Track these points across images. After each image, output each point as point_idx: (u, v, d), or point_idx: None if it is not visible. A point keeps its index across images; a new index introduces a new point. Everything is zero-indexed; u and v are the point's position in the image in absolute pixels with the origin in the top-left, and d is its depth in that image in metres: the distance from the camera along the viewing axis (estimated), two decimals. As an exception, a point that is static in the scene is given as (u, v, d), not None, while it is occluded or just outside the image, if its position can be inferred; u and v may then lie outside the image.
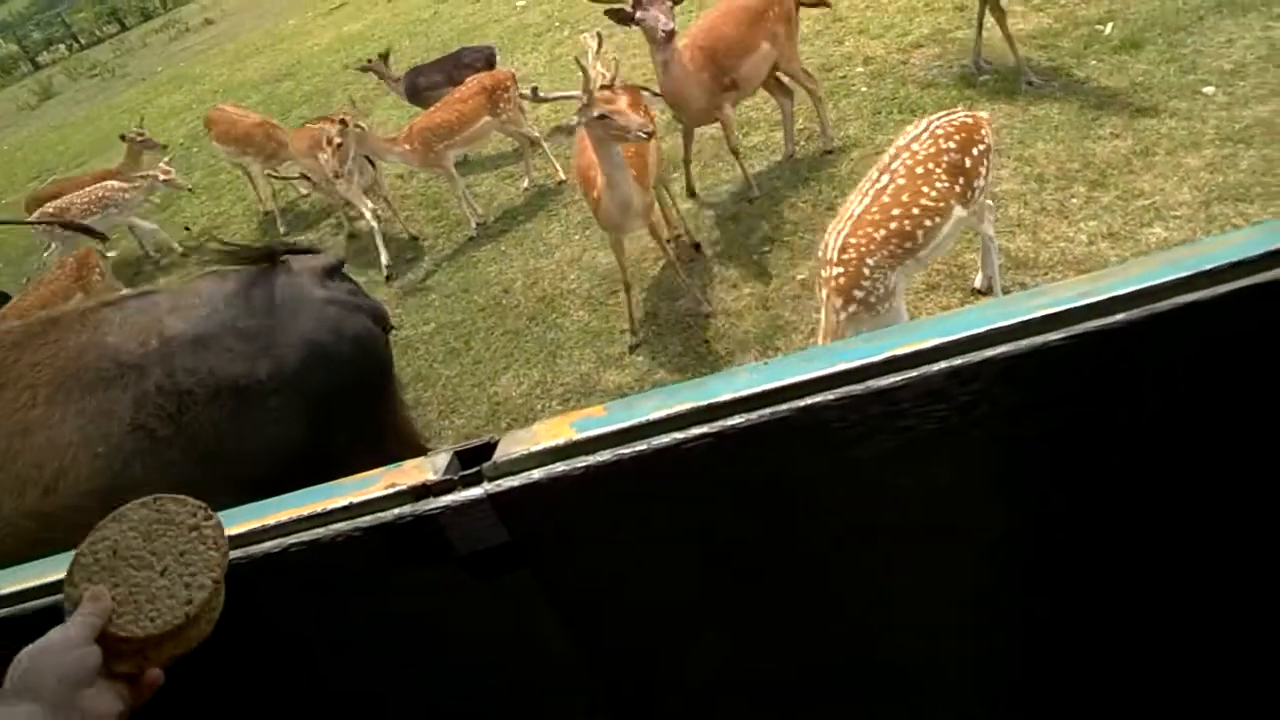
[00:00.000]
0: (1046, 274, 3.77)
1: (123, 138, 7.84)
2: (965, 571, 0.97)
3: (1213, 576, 0.94)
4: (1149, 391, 0.85)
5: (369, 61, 7.23)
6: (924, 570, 0.96)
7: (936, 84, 5.56)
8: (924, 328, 0.85)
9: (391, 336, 5.07)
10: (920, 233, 2.98)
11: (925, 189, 3.01)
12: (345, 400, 2.41)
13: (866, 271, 2.87)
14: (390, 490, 0.95)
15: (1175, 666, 1.00)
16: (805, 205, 4.87)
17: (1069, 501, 0.92)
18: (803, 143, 5.50)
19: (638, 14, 4.30)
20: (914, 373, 0.82)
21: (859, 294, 2.87)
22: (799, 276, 4.35)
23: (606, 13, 4.43)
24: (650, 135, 3.67)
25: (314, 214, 7.56)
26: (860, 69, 6.16)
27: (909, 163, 3.06)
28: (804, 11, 7.46)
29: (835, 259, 2.91)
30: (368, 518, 0.95)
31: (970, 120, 3.26)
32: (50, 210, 6.81)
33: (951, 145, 3.12)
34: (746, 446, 0.86)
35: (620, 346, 4.34)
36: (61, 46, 29.57)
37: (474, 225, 5.96)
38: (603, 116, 3.58)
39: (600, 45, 4.16)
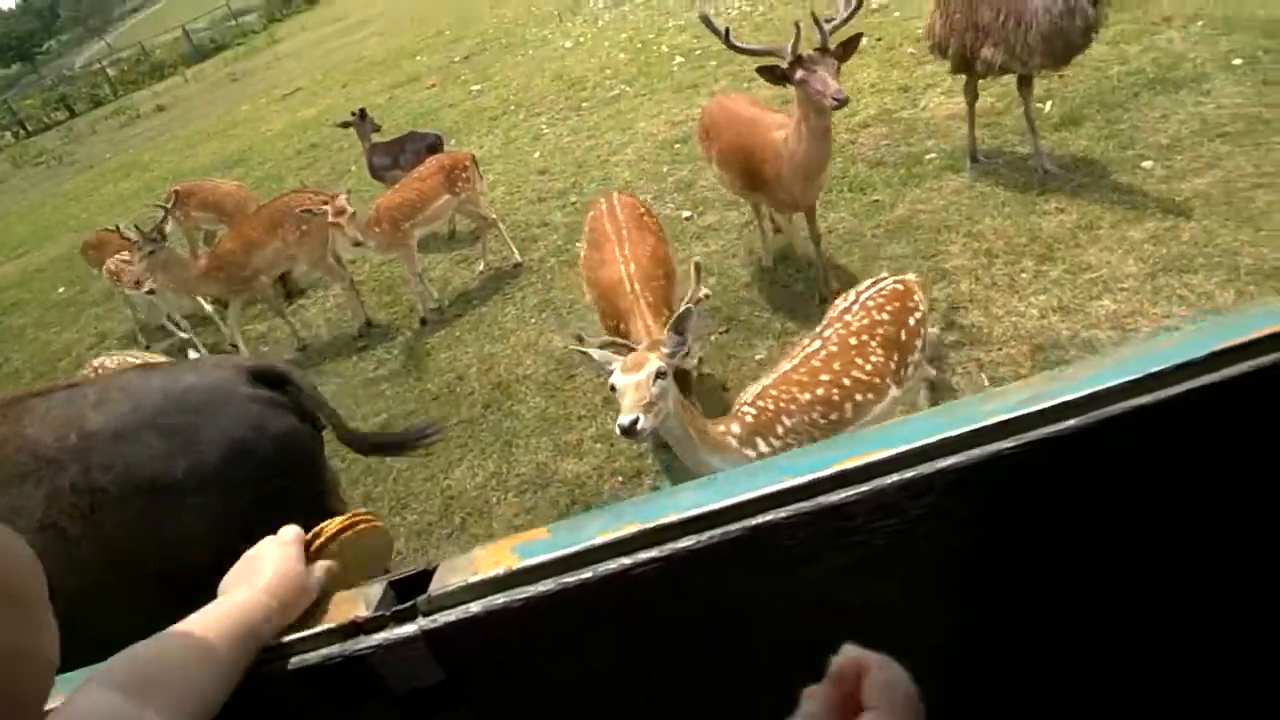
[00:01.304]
0: (1000, 349, 3.78)
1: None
2: (925, 691, 0.91)
3: (1168, 681, 0.91)
4: (1101, 498, 0.83)
5: (352, 115, 7.19)
6: None
7: (884, 162, 5.67)
8: (872, 438, 0.82)
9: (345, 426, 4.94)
10: (849, 406, 2.75)
11: (859, 360, 2.80)
12: (269, 499, 2.32)
13: (780, 430, 2.66)
14: (319, 629, 0.88)
15: None
16: (762, 284, 4.88)
17: (1019, 611, 0.88)
18: (756, 222, 5.54)
19: (799, 74, 3.60)
20: (865, 487, 0.79)
21: (762, 446, 2.63)
22: (757, 357, 4.32)
23: (759, 70, 3.79)
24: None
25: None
26: (809, 148, 6.26)
27: (842, 332, 2.87)
28: (754, 93, 7.67)
29: (750, 401, 2.73)
30: (294, 659, 0.87)
31: (901, 287, 3.03)
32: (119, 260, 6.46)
33: (885, 317, 2.91)
34: (694, 569, 0.81)
35: (578, 434, 4.24)
36: (8, 134, 29.43)
37: (426, 309, 5.88)
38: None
39: (699, 274, 2.94)
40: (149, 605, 1.11)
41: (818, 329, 2.97)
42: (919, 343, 2.99)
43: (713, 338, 4.57)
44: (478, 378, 5.03)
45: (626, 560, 0.81)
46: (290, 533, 1.00)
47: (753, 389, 2.78)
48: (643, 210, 3.94)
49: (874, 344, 2.85)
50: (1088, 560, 0.85)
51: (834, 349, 2.84)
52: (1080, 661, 0.89)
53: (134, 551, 2.21)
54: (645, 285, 3.44)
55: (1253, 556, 0.84)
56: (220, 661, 0.81)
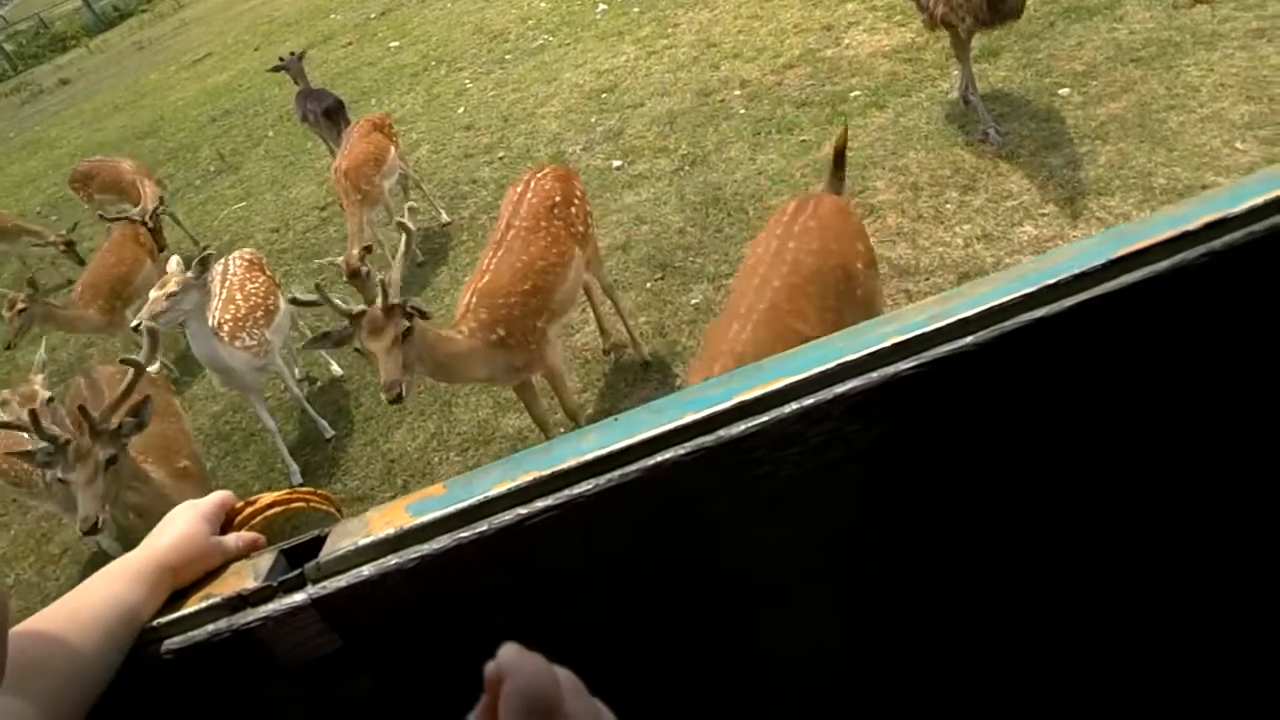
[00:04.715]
0: (928, 279, 3.84)
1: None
2: (843, 620, 0.92)
3: (1092, 593, 0.92)
4: (1006, 412, 0.82)
5: (281, 60, 6.91)
6: (800, 625, 0.90)
7: (810, 102, 5.66)
8: (772, 367, 0.80)
9: (277, 399, 4.83)
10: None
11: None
12: None
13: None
14: (204, 604, 0.83)
15: (1066, 683, 0.97)
16: (694, 230, 4.86)
17: (935, 534, 0.88)
18: (686, 169, 5.51)
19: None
20: (765, 417, 0.77)
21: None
22: (692, 302, 4.32)
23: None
24: (394, 401, 2.75)
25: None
26: (737, 91, 6.23)
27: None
28: (679, 38, 7.59)
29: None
30: (179, 637, 0.83)
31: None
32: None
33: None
34: (594, 514, 0.78)
35: (516, 388, 4.21)
36: (-98, 118, 27.74)
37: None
38: (360, 351, 2.82)
39: (410, 241, 3.03)
40: None
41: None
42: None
43: (648, 285, 4.56)
44: (412, 341, 4.95)
45: (523, 510, 0.78)
46: (213, 497, 0.98)
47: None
48: (559, 199, 3.47)
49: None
50: (999, 476, 0.85)
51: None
52: (1000, 579, 0.89)
53: None
54: (483, 300, 3.12)
55: (1163, 461, 0.85)
56: (102, 638, 0.78)
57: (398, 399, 2.71)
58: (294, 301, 3.05)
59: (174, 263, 3.68)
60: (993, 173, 4.29)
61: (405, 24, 12.23)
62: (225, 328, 3.95)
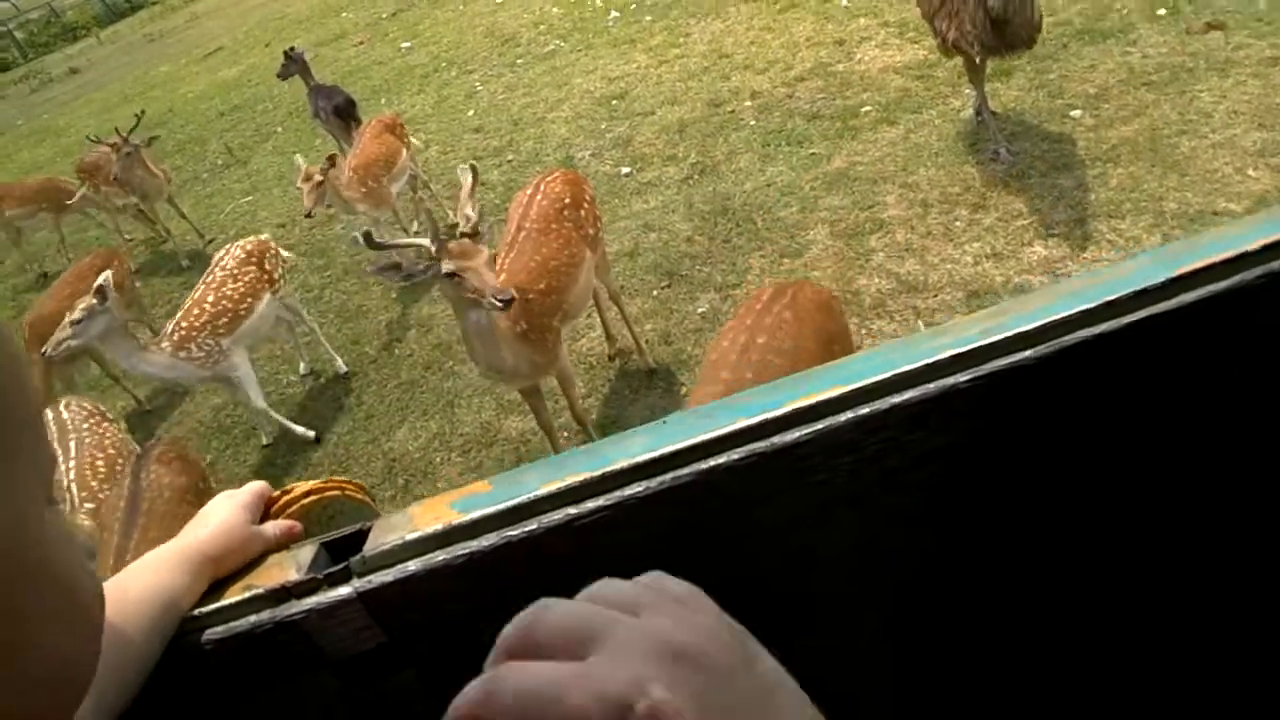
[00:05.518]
0: (936, 295, 3.84)
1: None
2: (897, 629, 0.91)
3: (1140, 604, 0.91)
4: (1065, 427, 0.82)
5: (286, 54, 6.92)
6: (852, 633, 0.89)
7: (821, 115, 5.67)
8: (825, 375, 0.80)
9: (279, 395, 4.83)
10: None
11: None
12: None
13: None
14: (247, 595, 0.83)
15: (1119, 698, 0.96)
16: (702, 239, 4.87)
17: (993, 543, 0.88)
18: (695, 178, 5.52)
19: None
20: (820, 425, 0.76)
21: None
22: (699, 310, 4.32)
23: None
24: (507, 304, 2.66)
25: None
26: (748, 103, 6.25)
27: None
28: (690, 48, 7.62)
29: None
30: (220, 628, 0.82)
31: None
32: None
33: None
34: (645, 516, 0.78)
35: (521, 391, 4.20)
36: (-91, 102, 27.72)
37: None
38: (453, 275, 2.71)
39: (475, 179, 3.12)
40: None
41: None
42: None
43: (654, 292, 4.56)
44: (418, 339, 4.94)
45: (573, 510, 0.78)
46: (250, 487, 0.98)
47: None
48: (569, 201, 3.52)
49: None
50: (1057, 490, 0.85)
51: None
52: (1057, 594, 0.89)
53: None
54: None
55: (1219, 478, 0.85)
56: (146, 625, 0.77)
57: (511, 300, 2.68)
58: (367, 239, 2.92)
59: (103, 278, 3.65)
60: (1003, 192, 4.31)
61: (417, 25, 12.27)
62: (175, 335, 3.91)
